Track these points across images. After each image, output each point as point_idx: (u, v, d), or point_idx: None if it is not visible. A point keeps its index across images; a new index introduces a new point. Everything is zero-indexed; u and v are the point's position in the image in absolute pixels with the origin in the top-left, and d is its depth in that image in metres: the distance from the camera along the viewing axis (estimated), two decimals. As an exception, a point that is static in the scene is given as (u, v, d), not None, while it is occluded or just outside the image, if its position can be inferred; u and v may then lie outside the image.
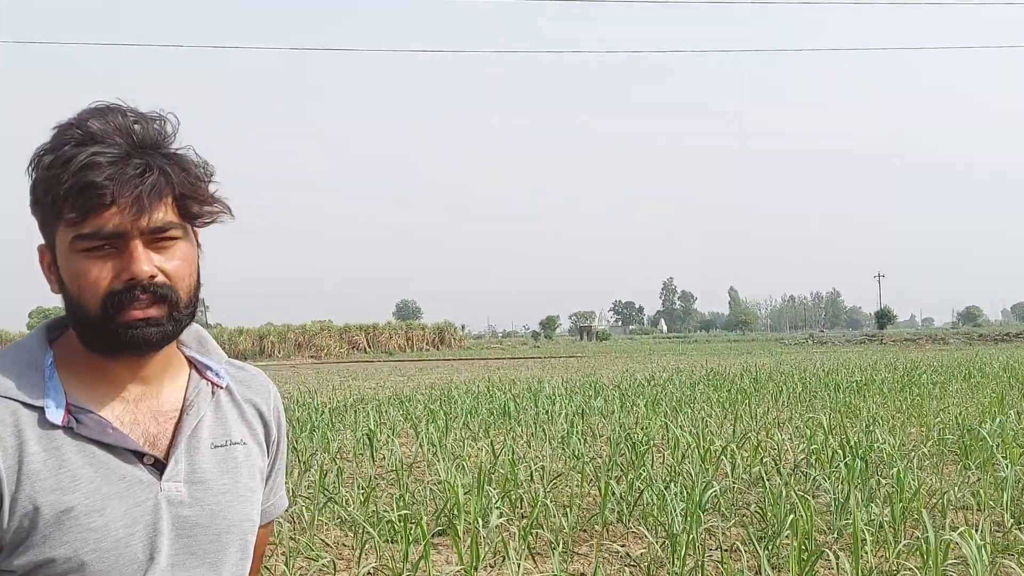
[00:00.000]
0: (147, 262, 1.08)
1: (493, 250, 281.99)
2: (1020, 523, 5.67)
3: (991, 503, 6.10)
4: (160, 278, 1.09)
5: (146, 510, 1.12)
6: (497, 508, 5.90)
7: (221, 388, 1.26)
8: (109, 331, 1.09)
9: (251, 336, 60.54)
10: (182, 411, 1.19)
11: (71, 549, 1.06)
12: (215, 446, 1.21)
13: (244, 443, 1.25)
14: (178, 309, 1.12)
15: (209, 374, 1.25)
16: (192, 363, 1.25)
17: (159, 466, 1.14)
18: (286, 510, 1.59)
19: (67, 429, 1.09)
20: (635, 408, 12.78)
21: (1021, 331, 67.94)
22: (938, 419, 10.67)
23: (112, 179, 1.04)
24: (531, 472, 7.44)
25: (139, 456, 1.13)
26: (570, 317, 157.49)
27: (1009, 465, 6.44)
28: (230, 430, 1.24)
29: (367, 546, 5.40)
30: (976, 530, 4.67)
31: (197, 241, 1.17)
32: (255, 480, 1.26)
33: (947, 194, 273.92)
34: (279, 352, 59.35)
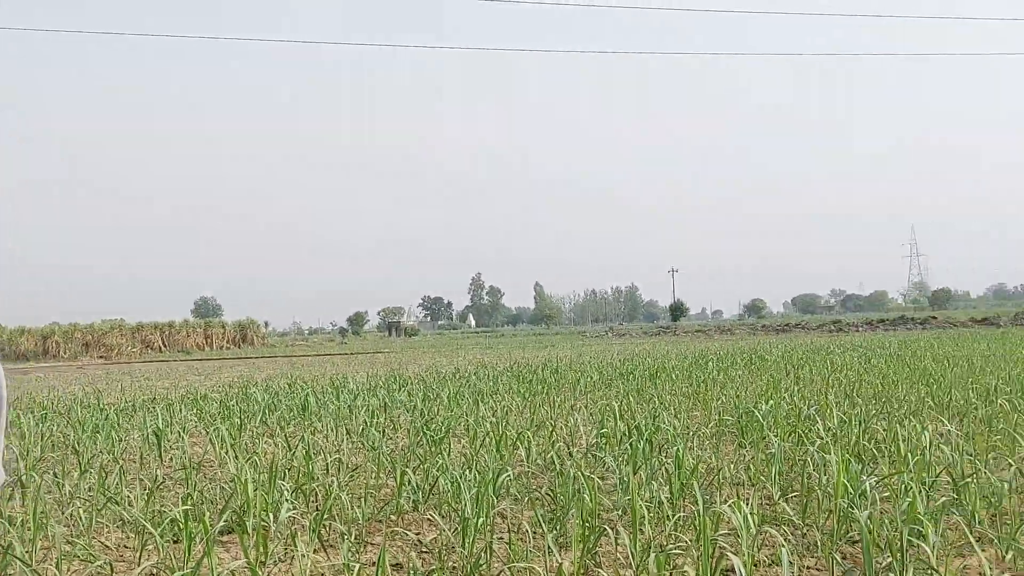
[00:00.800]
0: None
1: (298, 245, 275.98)
2: (786, 495, 6.10)
3: (762, 478, 6.53)
4: None
5: None
6: (288, 502, 5.78)
7: None
8: None
9: (34, 336, 56.60)
10: None
11: None
12: None
13: None
14: None
15: None
16: None
17: None
18: (20, 485, 1.49)
19: None
20: (438, 400, 12.85)
21: (799, 322, 73.09)
22: (719, 402, 11.33)
23: None
24: (327, 465, 7.34)
25: None
26: (379, 313, 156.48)
27: (778, 442, 6.90)
28: None
29: (149, 546, 5.17)
30: (746, 503, 4.98)
31: None
32: None
33: (734, 197, 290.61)
34: (65, 352, 55.83)
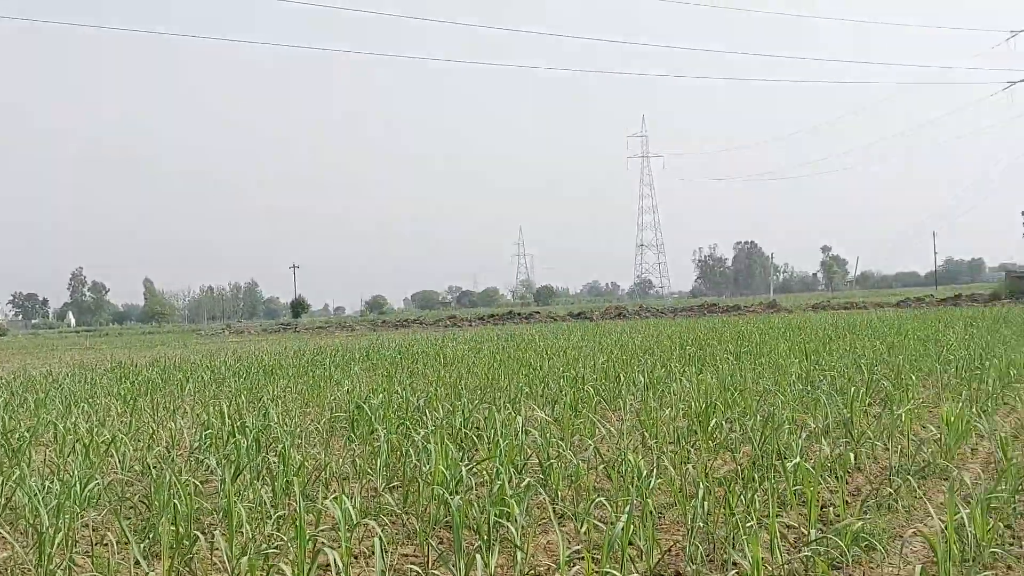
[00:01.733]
0: None
1: None
2: (391, 485, 6.25)
3: (369, 471, 6.63)
4: None
5: None
6: None
7: None
8: None
9: None
10: None
11: None
12: None
13: None
14: None
15: None
16: None
17: None
18: None
19: None
20: (23, 406, 11.64)
21: (417, 317, 75.63)
22: (333, 398, 11.37)
23: None
24: None
25: None
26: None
27: (385, 435, 7.04)
28: None
29: None
30: (350, 497, 5.02)
31: None
32: None
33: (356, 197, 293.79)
34: None
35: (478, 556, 4.02)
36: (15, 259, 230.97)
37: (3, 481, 6.11)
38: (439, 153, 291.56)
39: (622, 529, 4.21)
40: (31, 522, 5.23)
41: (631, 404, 9.51)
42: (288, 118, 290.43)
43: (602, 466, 6.35)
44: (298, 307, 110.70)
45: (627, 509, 4.57)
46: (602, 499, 5.20)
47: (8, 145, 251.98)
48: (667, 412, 8.56)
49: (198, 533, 4.54)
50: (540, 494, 5.62)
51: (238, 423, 8.14)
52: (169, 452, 7.34)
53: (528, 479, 5.60)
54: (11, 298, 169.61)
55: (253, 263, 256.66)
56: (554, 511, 5.38)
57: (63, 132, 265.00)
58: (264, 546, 4.54)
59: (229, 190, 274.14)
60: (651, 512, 4.70)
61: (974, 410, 7.83)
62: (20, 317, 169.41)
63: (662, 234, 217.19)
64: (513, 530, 4.46)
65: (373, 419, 8.31)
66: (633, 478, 5.42)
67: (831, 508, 5.42)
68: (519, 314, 68.69)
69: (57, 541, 4.56)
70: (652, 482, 5.34)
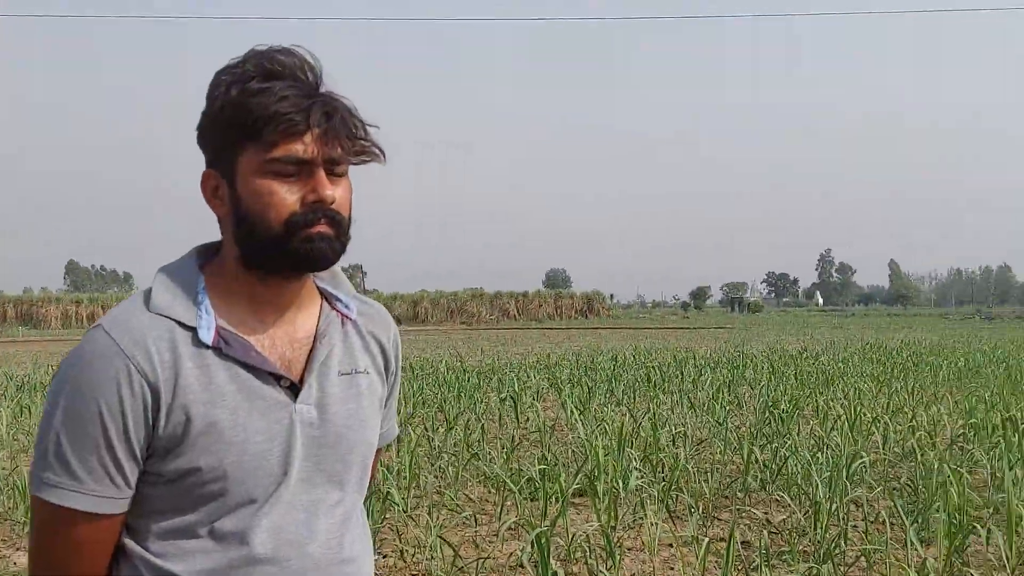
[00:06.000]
0: (331, 188, 1.18)
1: (643, 217, 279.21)
2: None
3: None
4: (337, 204, 1.19)
5: (282, 428, 1.21)
6: (637, 470, 5.93)
7: (350, 320, 1.34)
8: (289, 247, 1.18)
9: (406, 302, 62.16)
10: (315, 339, 1.28)
11: (216, 459, 1.17)
12: (342, 373, 1.29)
13: (367, 372, 1.33)
14: (344, 234, 1.22)
15: (339, 305, 1.34)
16: (324, 295, 1.34)
17: (293, 389, 1.23)
18: (397, 439, 1.67)
19: (215, 349, 1.19)
20: (784, 379, 12.50)
21: None
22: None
23: (306, 111, 1.15)
24: (673, 437, 7.41)
25: (276, 378, 1.22)
26: (721, 288, 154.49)
27: None
28: (356, 359, 1.32)
29: (508, 502, 5.53)
30: None
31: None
32: (375, 407, 1.34)
33: None
34: (432, 317, 60.82)
35: None
36: (771, 244, 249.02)
37: (775, 448, 6.65)
38: None
39: None
40: (804, 489, 5.61)
41: None
42: None
43: None
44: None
45: None
46: None
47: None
48: None
49: (977, 526, 4.38)
50: None
51: (1004, 414, 7.66)
52: (931, 438, 7.21)
53: None
54: (765, 277, 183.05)
55: (1006, 244, 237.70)
56: None
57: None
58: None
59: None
60: None
61: None
62: (772, 295, 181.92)
63: None
64: None
65: None
66: None
67: None
68: None
69: (831, 510, 4.81)
70: None
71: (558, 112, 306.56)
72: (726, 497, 5.80)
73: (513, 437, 7.86)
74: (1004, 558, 4.13)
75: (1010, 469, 5.66)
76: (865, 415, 8.10)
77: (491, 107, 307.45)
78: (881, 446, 7.09)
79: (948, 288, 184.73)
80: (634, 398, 10.64)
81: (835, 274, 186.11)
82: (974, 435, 7.30)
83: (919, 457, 6.06)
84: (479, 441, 7.38)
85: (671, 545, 4.70)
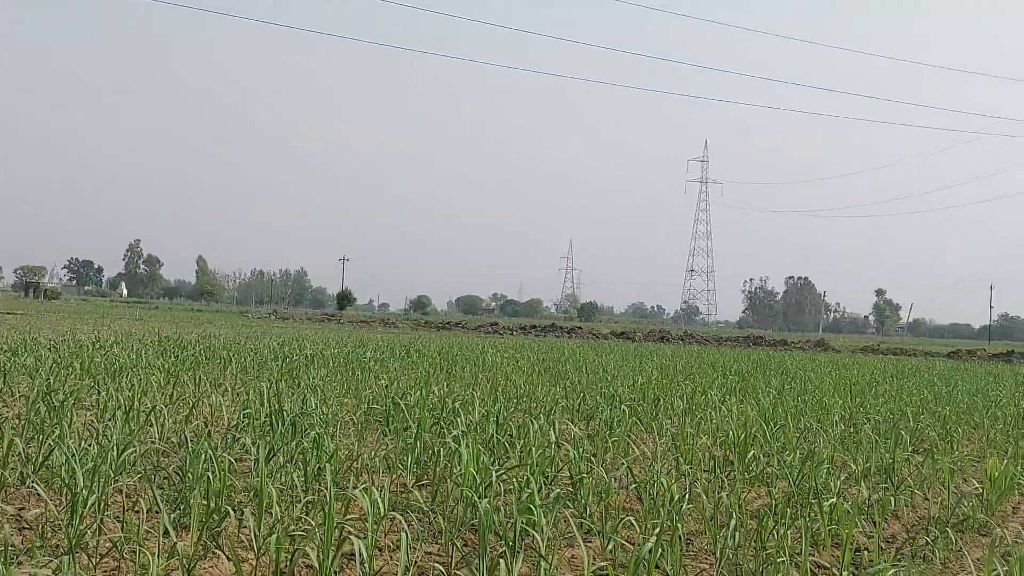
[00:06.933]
0: None
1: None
2: (420, 483, 6.24)
3: (400, 466, 6.63)
4: None
5: None
6: None
7: None
8: None
9: None
10: None
11: None
12: None
13: None
14: None
15: None
16: None
17: None
18: None
19: None
20: (71, 369, 11.84)
21: (460, 321, 75.84)
22: (371, 391, 11.41)
23: None
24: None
25: None
26: (15, 271, 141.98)
27: (417, 432, 7.05)
28: None
29: None
30: (380, 489, 5.01)
31: None
32: None
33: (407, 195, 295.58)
34: None
35: (502, 561, 3.99)
36: (75, 224, 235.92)
37: (42, 440, 6.22)
38: (493, 162, 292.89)
39: (650, 550, 4.16)
40: (66, 482, 5.31)
41: (668, 428, 9.41)
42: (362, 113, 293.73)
43: (633, 486, 6.28)
44: (344, 299, 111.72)
45: (656, 531, 4.51)
46: (631, 519, 5.15)
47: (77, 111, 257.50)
48: (704, 439, 8.46)
49: (229, 508, 4.57)
50: (568, 507, 5.57)
51: (276, 407, 8.21)
52: (207, 427, 7.41)
53: (557, 491, 5.55)
54: (67, 263, 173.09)
55: (304, 251, 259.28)
56: (581, 526, 5.34)
57: (136, 103, 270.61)
58: (292, 528, 4.56)
59: (288, 177, 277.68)
60: (680, 537, 4.63)
61: (1020, 468, 7.63)
62: (74, 283, 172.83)
63: (713, 261, 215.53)
64: (539, 539, 4.42)
65: (408, 416, 8.32)
66: (665, 501, 5.36)
67: (865, 552, 5.30)
68: (561, 327, 68.55)
69: (90, 503, 4.62)
70: (683, 507, 5.28)
71: None
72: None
73: None
74: (253, 537, 4.36)
75: (273, 455, 6.06)
76: (146, 404, 8.02)
77: None
78: (158, 435, 7.07)
79: (250, 287, 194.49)
80: None
81: (143, 266, 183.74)
82: (248, 424, 7.68)
83: (190, 446, 6.16)
84: None
85: None
